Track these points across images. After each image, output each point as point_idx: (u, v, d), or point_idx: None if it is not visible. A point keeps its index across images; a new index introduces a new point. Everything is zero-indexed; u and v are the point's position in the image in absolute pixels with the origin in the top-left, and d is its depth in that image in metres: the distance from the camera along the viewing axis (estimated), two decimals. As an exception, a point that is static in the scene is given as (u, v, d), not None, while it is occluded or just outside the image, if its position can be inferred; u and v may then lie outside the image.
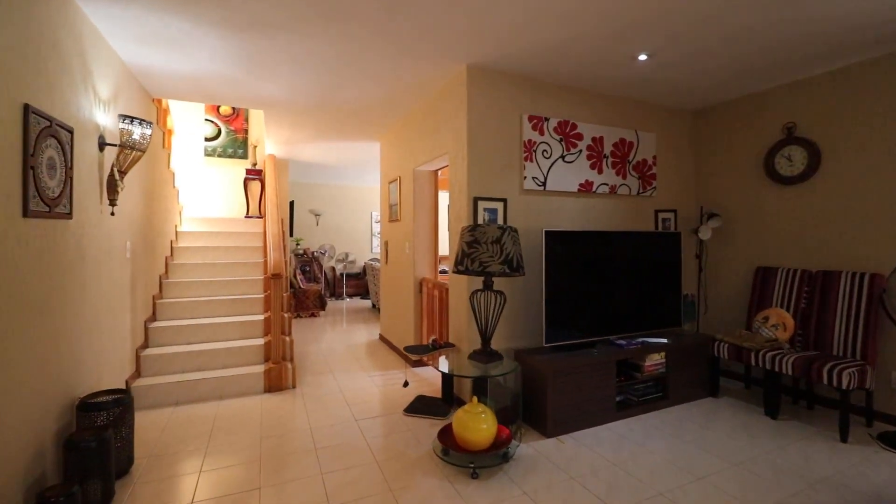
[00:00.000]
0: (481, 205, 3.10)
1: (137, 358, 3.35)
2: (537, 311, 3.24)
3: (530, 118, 3.28)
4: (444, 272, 5.69)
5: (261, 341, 3.83)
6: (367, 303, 8.51)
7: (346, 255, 9.09)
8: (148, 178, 3.68)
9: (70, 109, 2.22)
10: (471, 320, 3.05)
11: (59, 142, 2.07)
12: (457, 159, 3.23)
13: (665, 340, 3.31)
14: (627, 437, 2.73)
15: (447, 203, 9.01)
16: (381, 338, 5.28)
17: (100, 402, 2.18)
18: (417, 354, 2.98)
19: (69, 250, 2.20)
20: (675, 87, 3.52)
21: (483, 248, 2.34)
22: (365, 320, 6.69)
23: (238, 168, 6.38)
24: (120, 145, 2.65)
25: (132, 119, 2.63)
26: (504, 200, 3.18)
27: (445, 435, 2.45)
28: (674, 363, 3.27)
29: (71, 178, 2.19)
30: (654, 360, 3.20)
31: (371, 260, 9.44)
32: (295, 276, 6.86)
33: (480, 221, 3.10)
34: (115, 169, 2.63)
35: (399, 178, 4.55)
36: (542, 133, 3.33)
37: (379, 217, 9.87)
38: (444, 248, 7.94)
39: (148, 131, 2.72)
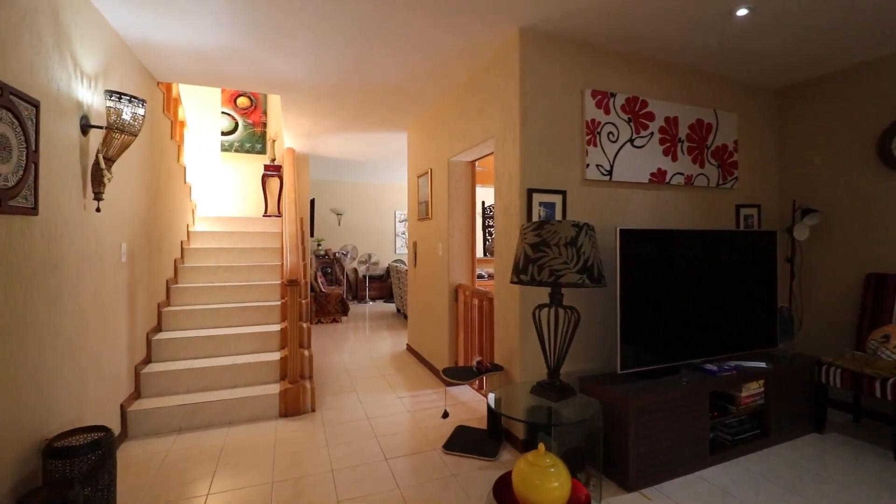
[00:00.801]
0: (536, 198, 2.55)
1: (136, 376, 2.92)
2: (606, 329, 2.67)
3: (594, 93, 2.71)
4: (480, 277, 5.15)
5: (277, 356, 3.37)
6: (391, 307, 8.04)
7: (369, 256, 8.65)
8: (152, 172, 3.26)
9: (35, 78, 1.77)
10: (526, 340, 2.51)
11: (16, 116, 1.62)
12: (505, 144, 2.68)
13: (763, 364, 2.69)
14: (731, 492, 2.13)
15: (481, 199, 8.47)
16: (409, 349, 4.78)
17: (71, 447, 1.73)
18: (459, 380, 2.45)
19: (34, 255, 1.76)
20: (766, 58, 2.89)
21: (554, 252, 1.79)
22: (390, 327, 6.21)
23: (256, 164, 5.99)
24: (106, 127, 2.20)
25: (121, 96, 2.18)
26: (563, 193, 2.62)
27: (502, 490, 1.90)
28: (774, 393, 2.65)
29: (36, 165, 1.74)
30: (752, 390, 2.59)
31: (395, 261, 8.99)
32: (315, 279, 6.44)
33: (535, 218, 2.55)
34: (101, 155, 2.19)
35: (430, 171, 4.03)
36: (607, 112, 2.76)
37: (404, 216, 9.40)
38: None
39: (140, 111, 2.27)
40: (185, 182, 4.33)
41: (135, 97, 2.24)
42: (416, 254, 4.54)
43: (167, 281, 3.67)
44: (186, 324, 3.53)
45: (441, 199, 3.79)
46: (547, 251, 1.80)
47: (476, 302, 3.33)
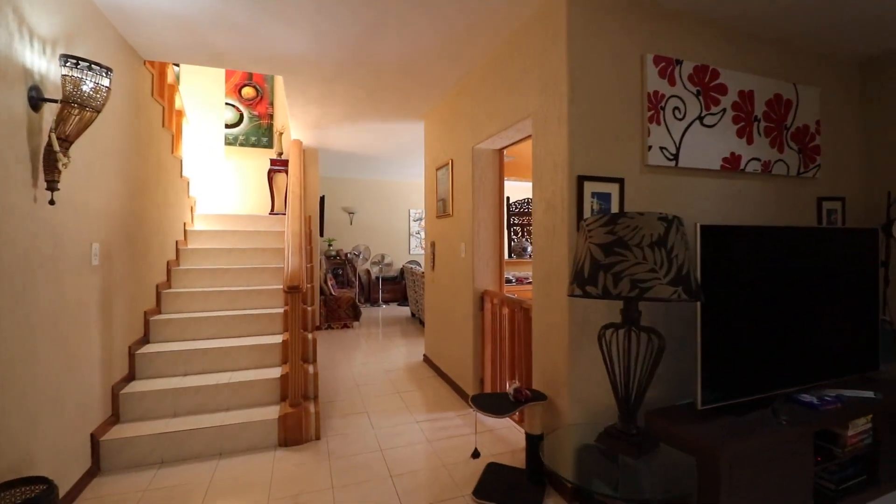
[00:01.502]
0: (588, 188, 2.07)
1: (114, 397, 2.52)
2: (679, 351, 2.16)
3: (657, 60, 2.22)
4: (508, 282, 4.67)
5: (278, 372, 2.94)
6: (406, 310, 7.60)
7: (382, 256, 8.23)
8: (136, 161, 2.87)
9: (-51, 28, 1.36)
10: (577, 364, 2.02)
11: (-89, 73, 1.20)
12: (547, 123, 2.20)
13: (869, 394, 2.16)
14: (855, 571, 1.62)
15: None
16: (427, 360, 4.32)
17: (-9, 512, 1.31)
18: (493, 413, 1.98)
19: (-53, 258, 1.34)
20: (857, 21, 2.35)
21: (635, 256, 1.31)
22: (404, 333, 5.76)
23: (262, 158, 5.61)
24: (61, 101, 1.79)
25: (78, 61, 1.76)
26: (620, 181, 2.14)
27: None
28: (884, 429, 2.13)
29: (-51, 140, 1.33)
30: (859, 427, 2.06)
31: (409, 262, 8.56)
32: (325, 282, 6.03)
33: (588, 211, 2.06)
34: (53, 135, 1.77)
35: (451, 162, 3.57)
36: (672, 82, 2.26)
37: (418, 214, 8.96)
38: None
39: (105, 82, 1.85)
40: (181, 176, 3.95)
41: (98, 64, 1.82)
42: (434, 255, 4.09)
43: (157, 286, 3.28)
44: (177, 334, 3.13)
45: (464, 193, 3.33)
46: (625, 254, 1.32)
47: (507, 312, 2.86)
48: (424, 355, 4.43)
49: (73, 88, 1.77)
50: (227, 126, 5.45)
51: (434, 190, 4.08)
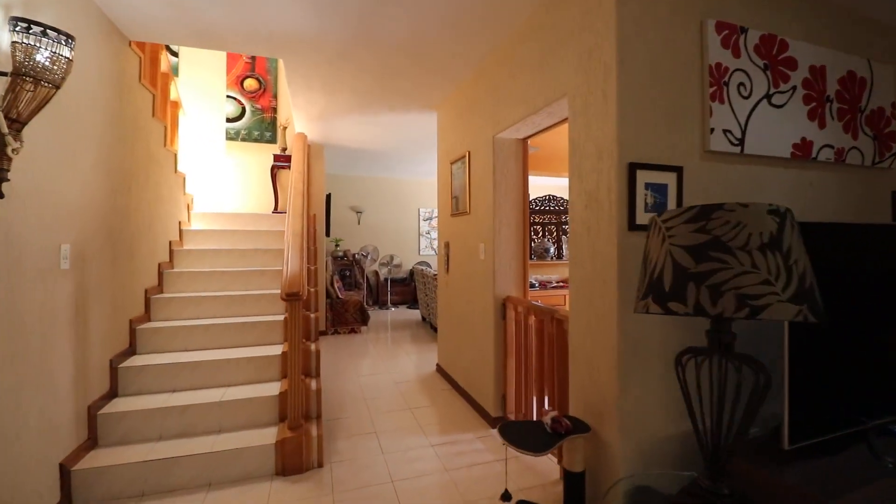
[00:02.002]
0: (641, 177, 1.73)
1: (91, 419, 2.23)
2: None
3: (719, 27, 1.87)
4: (531, 286, 4.33)
5: (277, 388, 2.64)
6: (416, 314, 7.28)
7: (391, 257, 7.92)
8: (121, 152, 2.58)
9: None
10: (628, 389, 1.69)
11: None
12: (589, 101, 1.87)
13: (980, 425, 1.79)
14: None
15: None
16: (440, 370, 4.00)
17: None
18: (527, 450, 1.65)
19: None
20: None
21: (741, 262, 0.97)
22: (415, 338, 5.44)
23: (265, 154, 5.32)
24: (11, 73, 1.49)
25: (30, 25, 1.47)
26: (678, 170, 1.80)
27: None
28: None
29: None
30: (973, 467, 1.70)
31: (419, 263, 8.25)
32: (332, 284, 5.73)
33: (641, 205, 1.73)
34: (0, 114, 1.47)
35: (467, 155, 3.24)
36: (736, 54, 1.91)
37: (429, 213, 8.64)
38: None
39: (65, 52, 1.55)
40: (176, 171, 3.66)
41: (55, 29, 1.52)
42: (448, 256, 3.76)
43: (147, 290, 2.99)
44: (167, 344, 2.84)
45: (482, 188, 3.00)
46: (726, 260, 0.98)
47: (534, 322, 2.52)
48: (437, 364, 4.10)
49: (25, 58, 1.48)
50: (228, 120, 5.17)
51: (448, 186, 3.75)
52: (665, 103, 1.79)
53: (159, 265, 3.24)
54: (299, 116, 4.32)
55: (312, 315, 3.24)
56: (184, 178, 3.92)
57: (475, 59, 2.94)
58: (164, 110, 3.63)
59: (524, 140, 2.88)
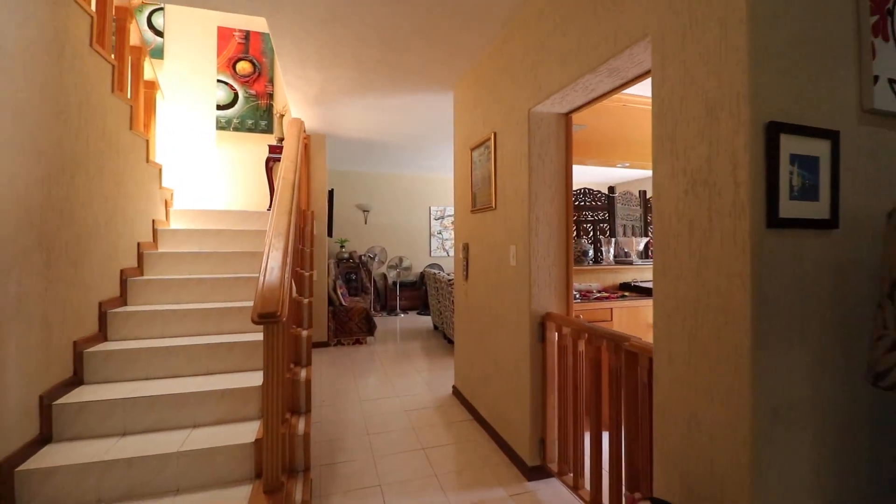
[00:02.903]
0: (787, 146, 1.12)
1: (8, 477, 1.68)
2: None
3: (886, -75, 1.26)
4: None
5: (254, 430, 2.07)
6: (426, 321, 6.70)
7: (400, 259, 7.35)
8: (60, 131, 2.03)
9: None
10: (767, 469, 1.08)
11: None
12: (693, 37, 1.27)
13: None
14: None
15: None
16: (457, 394, 3.41)
17: None
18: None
19: None
20: None
21: None
22: (427, 350, 4.86)
23: (260, 145, 4.79)
24: None
25: None
26: (834, 136, 1.19)
27: None
28: None
29: None
30: None
31: (430, 266, 7.68)
32: (335, 290, 5.18)
33: (784, 187, 1.12)
34: None
35: (492, 137, 2.65)
36: (908, -33, 1.30)
37: (440, 212, 8.06)
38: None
39: None
40: (148, 161, 3.13)
41: None
42: (467, 261, 3.17)
43: (101, 304, 2.45)
44: (122, 372, 2.29)
45: (513, 176, 2.40)
46: None
47: (587, 349, 1.92)
48: (454, 387, 3.51)
49: None
50: (218, 107, 4.64)
51: (467, 178, 3.17)
52: (807, 39, 1.18)
53: (122, 272, 2.70)
54: (294, 99, 3.77)
55: (304, 332, 2.67)
56: (160, 170, 3.38)
57: (505, 11, 2.34)
58: (136, 89, 3.10)
59: (567, 115, 2.28)
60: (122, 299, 2.68)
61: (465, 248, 3.20)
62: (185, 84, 4.47)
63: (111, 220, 2.57)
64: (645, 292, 3.02)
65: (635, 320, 2.89)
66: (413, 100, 3.78)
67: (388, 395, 3.48)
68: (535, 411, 2.25)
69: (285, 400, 2.08)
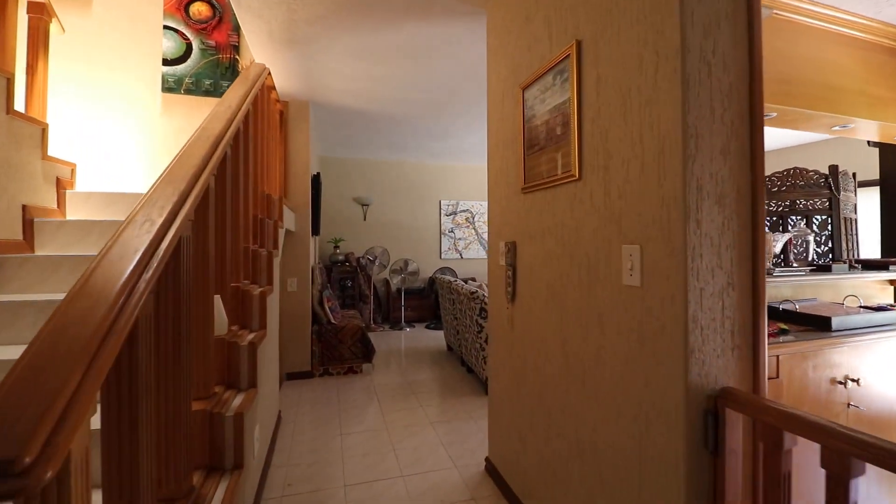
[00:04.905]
0: None
1: None
2: None
3: None
4: (782, 334, 2.49)
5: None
6: (437, 336, 5.52)
7: (406, 263, 6.19)
8: None
9: None
10: None
11: None
12: None
13: None
14: None
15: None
16: (494, 473, 2.21)
17: None
18: None
19: None
20: None
21: None
22: (442, 385, 3.68)
23: (221, 114, 3.61)
24: None
25: None
26: None
27: None
28: None
29: None
30: None
31: (440, 271, 6.53)
32: (321, 304, 4.01)
33: None
34: None
35: (572, 53, 1.47)
36: None
37: (453, 206, 6.87)
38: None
39: None
40: (9, 112, 1.98)
41: None
42: (514, 271, 1.99)
43: None
44: None
45: (629, 111, 1.23)
46: None
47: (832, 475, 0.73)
48: (488, 460, 2.32)
49: None
50: (165, 62, 3.49)
51: (512, 136, 1.99)
52: None
53: (-80, 292, 1.54)
54: (252, 33, 2.61)
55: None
56: (43, 131, 2.23)
57: None
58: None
59: (756, -24, 1.10)
60: (-84, 341, 1.52)
61: (511, 249, 2.01)
62: (115, 28, 3.33)
63: None
64: (813, 323, 1.80)
65: (814, 382, 1.66)
66: (422, 34, 2.61)
67: (388, 474, 2.30)
68: None
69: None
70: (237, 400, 1.47)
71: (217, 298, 1.56)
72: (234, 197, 1.83)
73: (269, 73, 2.83)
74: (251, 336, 1.71)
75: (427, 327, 6.15)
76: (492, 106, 2.25)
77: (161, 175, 1.25)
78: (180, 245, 1.13)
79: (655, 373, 1.14)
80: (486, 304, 3.42)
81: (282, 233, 2.81)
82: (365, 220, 6.50)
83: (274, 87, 3.09)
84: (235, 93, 2.02)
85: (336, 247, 6.08)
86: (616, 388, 1.29)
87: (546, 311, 1.71)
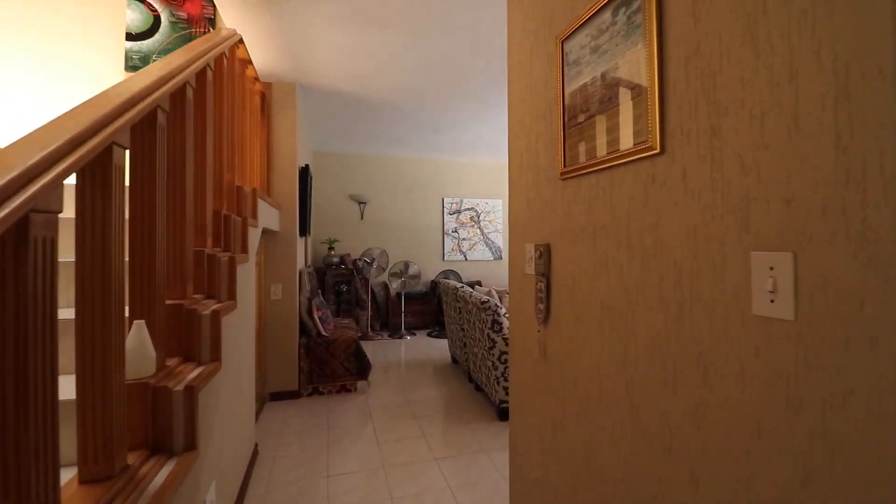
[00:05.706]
0: None
1: None
2: None
3: None
4: None
5: None
6: (441, 346, 5.05)
7: (406, 265, 5.73)
8: None
9: None
10: None
11: None
12: None
13: None
14: None
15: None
16: (517, 534, 1.75)
17: None
18: None
19: None
20: None
21: None
22: (447, 406, 3.22)
23: (195, 97, 3.16)
24: None
25: None
26: None
27: None
28: None
29: None
30: None
31: (443, 274, 6.06)
32: (309, 314, 3.55)
33: None
34: None
35: (644, -24, 1.01)
36: None
37: (457, 205, 6.41)
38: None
39: None
40: None
41: None
42: (547, 282, 1.52)
43: None
44: None
45: (755, 45, 0.76)
46: None
47: None
48: (509, 517, 1.86)
49: None
50: (129, 37, 3.04)
51: (547, 97, 1.52)
52: None
53: None
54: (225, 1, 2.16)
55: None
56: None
57: None
58: None
59: None
60: None
61: (544, 254, 1.54)
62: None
63: None
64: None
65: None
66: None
67: (383, 533, 1.84)
68: None
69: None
70: (164, 469, 1.01)
71: (139, 325, 1.10)
72: (176, 184, 1.37)
73: (242, 42, 2.37)
74: (193, 374, 1.24)
75: (429, 335, 5.69)
76: (514, 70, 1.78)
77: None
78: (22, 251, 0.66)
79: (826, 465, 0.67)
80: (499, 315, 2.95)
81: (255, 233, 2.35)
82: (362, 218, 6.04)
83: (251, 62, 2.63)
84: (183, 51, 1.56)
85: (331, 248, 5.62)
86: (734, 468, 0.82)
87: (599, 341, 1.24)
